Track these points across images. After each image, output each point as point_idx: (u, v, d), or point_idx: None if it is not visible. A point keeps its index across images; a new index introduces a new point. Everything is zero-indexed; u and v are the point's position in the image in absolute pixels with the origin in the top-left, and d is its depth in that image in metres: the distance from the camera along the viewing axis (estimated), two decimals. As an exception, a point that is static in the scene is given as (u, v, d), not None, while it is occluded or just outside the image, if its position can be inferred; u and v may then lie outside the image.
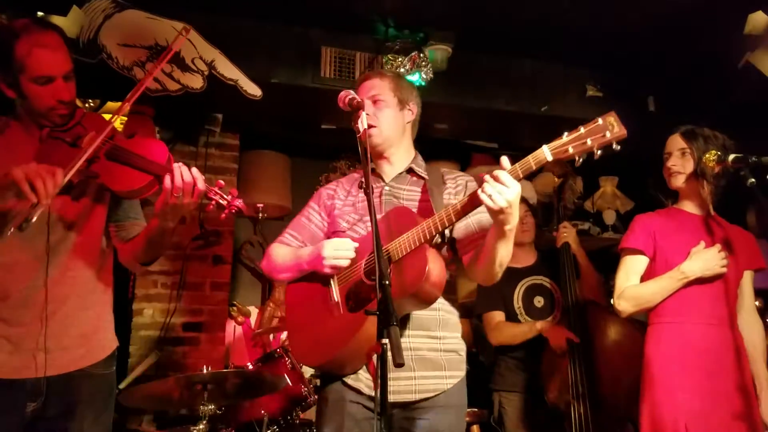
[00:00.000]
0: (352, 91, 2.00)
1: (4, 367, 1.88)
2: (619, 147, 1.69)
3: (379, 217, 2.03)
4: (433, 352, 2.01)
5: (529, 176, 5.19)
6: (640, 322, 2.78)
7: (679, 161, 2.53)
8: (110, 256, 2.13)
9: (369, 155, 1.83)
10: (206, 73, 3.35)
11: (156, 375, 3.77)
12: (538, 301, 3.47)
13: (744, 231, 2.61)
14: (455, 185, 2.16)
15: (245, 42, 3.54)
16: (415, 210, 2.06)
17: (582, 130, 1.71)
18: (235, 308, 4.25)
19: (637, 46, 3.77)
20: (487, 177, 1.72)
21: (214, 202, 1.87)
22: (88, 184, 2.00)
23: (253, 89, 3.39)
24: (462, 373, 2.10)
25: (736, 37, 3.23)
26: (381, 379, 1.55)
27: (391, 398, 1.89)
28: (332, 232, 2.19)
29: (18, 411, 1.87)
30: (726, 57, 3.44)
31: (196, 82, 3.34)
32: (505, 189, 1.70)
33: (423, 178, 2.17)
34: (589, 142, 1.68)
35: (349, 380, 2.00)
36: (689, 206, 2.58)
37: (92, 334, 2.02)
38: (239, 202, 1.88)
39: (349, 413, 1.97)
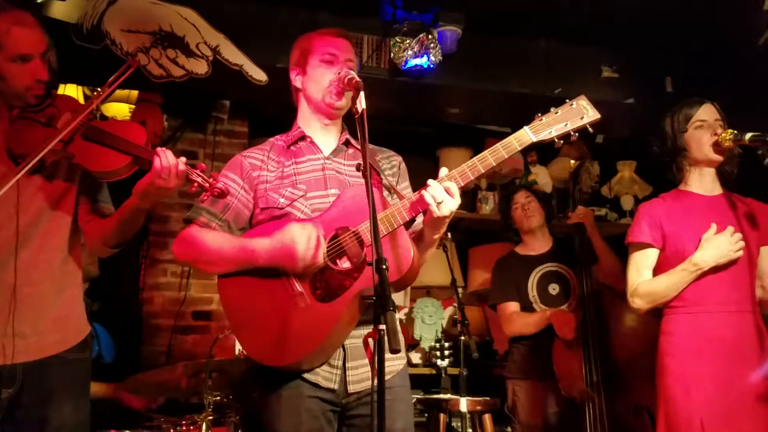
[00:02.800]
0: (351, 71, 1.94)
1: None
2: (592, 130, 1.80)
3: (327, 192, 1.94)
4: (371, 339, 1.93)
5: (544, 162, 5.16)
6: (657, 308, 2.70)
7: (721, 132, 2.37)
8: (80, 239, 2.10)
9: (366, 136, 1.75)
10: (211, 58, 3.30)
11: (166, 363, 3.77)
12: (553, 289, 3.41)
13: (757, 202, 2.48)
14: (390, 165, 2.09)
15: (250, 26, 3.48)
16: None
17: (559, 112, 1.79)
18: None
19: (653, 25, 3.65)
20: (433, 183, 1.77)
21: (196, 184, 1.86)
22: (59, 165, 1.98)
23: (258, 74, 3.34)
24: (404, 354, 2.04)
25: (754, 14, 3.11)
26: (378, 365, 1.51)
27: (351, 388, 1.86)
28: (263, 209, 1.95)
29: None
30: (744, 35, 3.32)
31: (200, 67, 3.30)
32: (451, 199, 1.77)
33: (359, 151, 2.01)
34: (568, 125, 1.77)
35: (306, 375, 1.86)
36: (698, 187, 2.46)
37: (66, 318, 1.99)
38: (221, 184, 1.86)
39: (307, 409, 1.83)
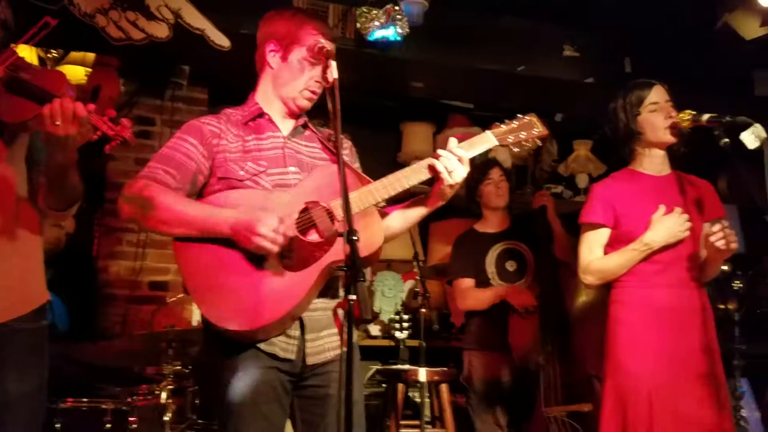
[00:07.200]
0: (321, 39, 1.92)
1: None
2: (540, 143, 2.05)
3: (286, 170, 1.92)
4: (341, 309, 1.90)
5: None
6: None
7: (675, 113, 2.41)
8: (34, 206, 1.98)
9: (338, 107, 1.74)
10: (172, 22, 3.22)
11: (123, 333, 3.72)
12: (511, 265, 3.48)
13: (702, 181, 2.57)
14: (343, 146, 2.04)
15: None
16: None
17: (515, 123, 2.02)
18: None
19: (615, 5, 3.71)
20: (445, 153, 1.90)
21: (100, 132, 1.73)
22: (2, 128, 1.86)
23: (221, 40, 3.27)
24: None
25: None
26: (348, 336, 1.52)
27: (309, 360, 1.86)
28: (221, 179, 1.89)
29: None
30: (702, 18, 3.40)
31: (161, 31, 3.21)
32: (462, 167, 1.89)
33: (315, 134, 2.05)
34: (522, 134, 2.01)
35: (263, 345, 1.82)
36: (648, 167, 2.52)
37: (14, 286, 1.89)
38: (127, 133, 1.74)
39: (265, 380, 1.81)
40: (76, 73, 3.86)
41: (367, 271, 4.62)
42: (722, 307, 4.32)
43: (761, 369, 4.77)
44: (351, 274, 1.51)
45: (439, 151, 1.90)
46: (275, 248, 1.74)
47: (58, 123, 1.66)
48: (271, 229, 1.72)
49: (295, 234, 1.80)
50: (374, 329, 4.49)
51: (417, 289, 3.58)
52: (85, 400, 2.87)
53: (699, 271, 2.43)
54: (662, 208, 2.39)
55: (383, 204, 1.98)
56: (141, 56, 3.56)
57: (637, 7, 3.68)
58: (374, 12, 3.42)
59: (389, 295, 4.50)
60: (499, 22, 3.96)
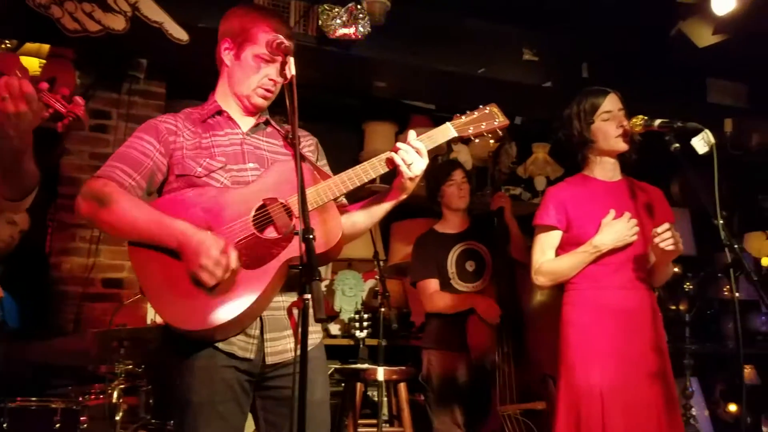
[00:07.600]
0: (279, 35, 1.90)
1: None
2: (501, 133, 2.03)
3: (245, 166, 1.92)
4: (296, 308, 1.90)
5: (465, 140, 5.28)
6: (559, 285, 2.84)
7: (626, 123, 2.47)
8: None
9: (296, 103, 1.74)
10: (129, 14, 3.16)
11: (75, 331, 3.63)
12: (470, 265, 3.51)
13: (652, 187, 2.63)
14: (307, 143, 2.10)
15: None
16: None
17: (476, 114, 2.01)
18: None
19: (575, 11, 3.78)
20: (403, 146, 1.89)
21: (52, 110, 1.68)
22: None
23: (179, 33, 3.22)
24: (320, 327, 2.05)
25: (668, 5, 3.27)
26: (302, 335, 1.52)
27: (269, 360, 1.85)
28: (179, 176, 1.88)
29: None
30: (657, 25, 3.48)
31: (118, 23, 3.14)
32: (421, 159, 1.88)
33: (278, 130, 2.05)
34: (483, 126, 1.99)
35: (221, 344, 1.81)
36: (600, 173, 2.57)
37: None
38: (80, 110, 1.69)
39: (222, 379, 1.81)
40: (30, 64, 3.76)
41: (327, 269, 4.62)
42: (673, 308, 4.47)
43: (711, 368, 4.94)
44: (306, 273, 1.51)
45: (398, 144, 1.90)
46: (212, 282, 1.72)
47: (4, 98, 1.59)
48: (213, 261, 1.71)
49: (239, 266, 1.77)
50: (334, 328, 4.48)
51: (377, 289, 3.58)
52: (34, 399, 2.80)
53: (649, 273, 2.49)
54: (612, 213, 2.45)
55: (342, 199, 1.99)
56: (97, 49, 3.49)
57: (594, 13, 3.75)
58: (336, 10, 3.41)
59: (350, 294, 4.50)
60: (461, 24, 3.99)
